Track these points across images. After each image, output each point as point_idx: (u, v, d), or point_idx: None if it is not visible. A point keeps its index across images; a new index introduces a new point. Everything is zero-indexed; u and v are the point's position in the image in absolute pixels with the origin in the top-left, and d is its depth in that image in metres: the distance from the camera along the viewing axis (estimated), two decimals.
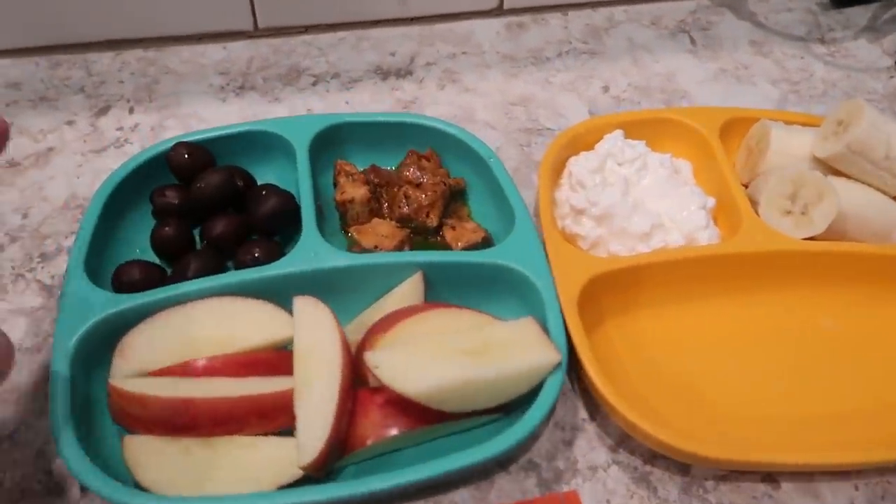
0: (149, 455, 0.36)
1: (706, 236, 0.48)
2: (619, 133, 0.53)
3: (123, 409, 0.37)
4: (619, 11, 0.73)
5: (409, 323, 0.40)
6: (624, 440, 0.42)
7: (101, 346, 0.40)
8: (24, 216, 0.52)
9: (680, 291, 0.47)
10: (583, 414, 0.43)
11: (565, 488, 0.40)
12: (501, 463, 0.41)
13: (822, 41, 0.71)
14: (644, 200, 0.50)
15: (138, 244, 0.48)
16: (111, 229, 0.47)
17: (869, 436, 0.42)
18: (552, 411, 0.42)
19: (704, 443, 0.39)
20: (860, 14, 0.75)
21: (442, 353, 0.38)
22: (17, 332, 0.45)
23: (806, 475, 0.41)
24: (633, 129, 0.54)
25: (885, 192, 0.50)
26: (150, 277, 0.44)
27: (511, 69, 0.66)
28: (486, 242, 0.48)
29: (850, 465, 0.40)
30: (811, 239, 0.48)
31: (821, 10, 0.75)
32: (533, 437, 0.42)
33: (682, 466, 0.41)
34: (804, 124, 0.54)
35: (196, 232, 0.48)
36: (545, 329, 0.41)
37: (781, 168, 0.49)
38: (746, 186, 0.53)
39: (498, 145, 0.59)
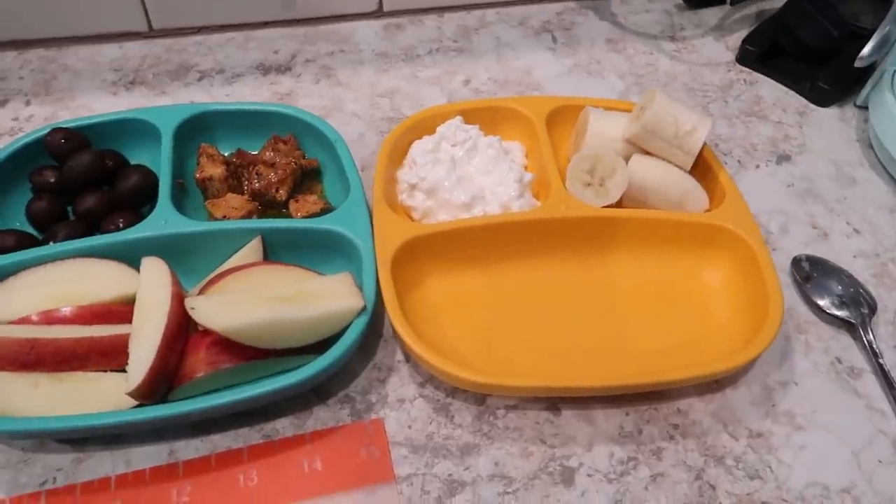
0: (0, 387, 0.42)
1: (518, 205, 0.55)
2: (457, 119, 0.60)
3: None
4: (491, 13, 0.80)
5: (237, 276, 0.47)
6: (430, 378, 0.49)
7: None
8: None
9: (493, 253, 0.54)
10: (399, 357, 0.50)
11: (373, 417, 0.47)
12: (320, 396, 0.48)
13: (673, 39, 0.79)
14: (472, 177, 0.57)
15: (18, 220, 0.54)
16: None
17: (641, 369, 0.49)
18: (365, 352, 0.49)
19: (492, 374, 0.46)
20: (712, 14, 0.82)
21: (255, 299, 0.44)
22: None
23: (584, 402, 0.48)
24: (472, 115, 0.61)
25: (680, 167, 0.57)
26: (23, 244, 0.50)
27: (383, 65, 0.73)
28: (325, 213, 0.54)
29: (614, 388, 0.47)
30: (614, 207, 0.55)
31: (677, 11, 0.83)
32: (349, 374, 0.49)
33: (479, 398, 0.48)
34: (625, 112, 0.61)
35: (71, 209, 0.54)
36: (360, 284, 0.47)
37: (587, 148, 0.57)
38: None
39: (360, 132, 0.66)
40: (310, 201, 0.55)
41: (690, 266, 0.55)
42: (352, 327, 0.45)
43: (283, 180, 0.55)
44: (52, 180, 0.54)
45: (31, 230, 0.53)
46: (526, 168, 0.60)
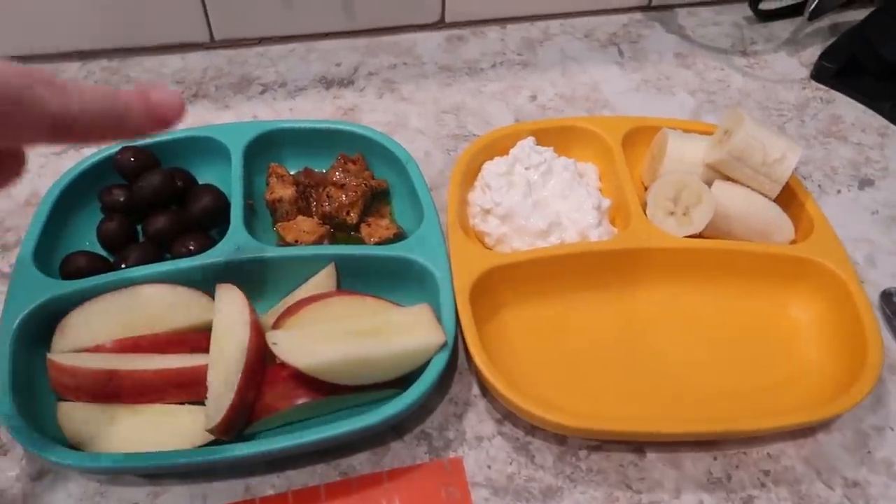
0: (78, 418, 0.42)
1: (597, 234, 0.53)
2: (530, 140, 0.58)
3: (58, 380, 0.42)
4: (555, 25, 0.78)
5: (315, 307, 0.46)
6: (509, 415, 0.47)
7: (43, 326, 0.45)
8: None
9: (572, 283, 0.52)
10: (476, 391, 0.49)
11: (452, 455, 0.45)
12: (397, 432, 0.46)
13: (744, 53, 0.76)
14: (547, 201, 0.55)
15: (88, 238, 0.53)
16: (62, 225, 0.52)
17: (730, 411, 0.47)
18: (442, 386, 0.47)
19: (576, 416, 0.44)
20: (784, 28, 0.80)
21: (335, 332, 0.43)
22: None
23: (670, 446, 0.46)
24: (546, 136, 0.59)
25: (765, 195, 0.55)
26: (94, 266, 0.49)
27: (446, 79, 0.71)
28: (398, 238, 0.53)
29: (703, 434, 0.45)
30: (696, 237, 0.53)
31: (746, 24, 0.80)
32: (426, 409, 0.47)
33: (560, 438, 0.46)
34: (704, 133, 0.59)
35: (140, 228, 0.54)
36: (438, 315, 0.46)
37: (676, 173, 0.55)
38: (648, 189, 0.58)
39: (427, 150, 0.64)
40: (382, 226, 0.53)
41: (778, 301, 0.53)
42: (433, 364, 0.44)
43: (353, 203, 0.54)
44: (122, 199, 0.53)
45: (99, 249, 0.52)
46: (600, 191, 0.58)
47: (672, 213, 0.53)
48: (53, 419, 0.43)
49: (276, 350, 0.41)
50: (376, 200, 0.57)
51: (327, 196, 0.54)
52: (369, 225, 0.53)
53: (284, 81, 0.70)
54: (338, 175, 0.55)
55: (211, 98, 0.68)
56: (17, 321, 0.44)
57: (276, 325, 0.46)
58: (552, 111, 0.69)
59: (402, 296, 0.49)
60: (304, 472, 0.44)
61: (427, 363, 0.44)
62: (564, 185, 0.56)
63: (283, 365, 0.44)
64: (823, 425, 0.48)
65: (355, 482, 0.44)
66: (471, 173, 0.58)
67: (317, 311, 0.46)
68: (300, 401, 0.43)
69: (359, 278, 0.50)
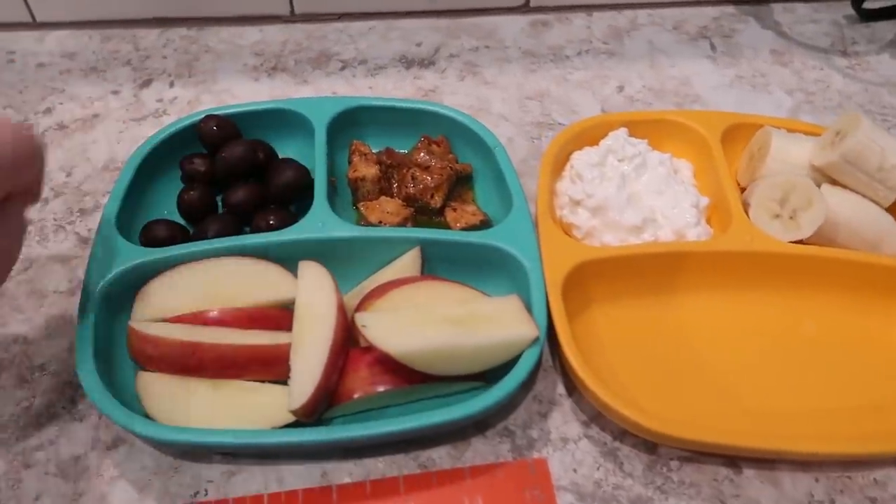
0: (157, 390, 0.41)
1: (695, 233, 0.50)
2: (623, 131, 0.56)
3: (139, 349, 0.41)
4: (643, 14, 0.75)
5: (402, 291, 0.44)
6: (596, 417, 0.45)
7: (125, 292, 0.44)
8: (68, 174, 0.57)
9: (666, 284, 0.49)
10: (561, 390, 0.46)
11: (536, 455, 0.43)
12: (479, 427, 0.44)
13: (845, 53, 0.72)
14: (640, 196, 0.53)
15: (166, 207, 0.52)
16: (143, 191, 0.51)
17: (833, 431, 0.44)
18: (527, 382, 0.45)
19: (670, 423, 0.41)
20: (888, 29, 0.75)
21: (427, 319, 0.41)
22: (54, 276, 0.50)
23: (768, 463, 0.43)
24: (638, 128, 0.57)
25: (877, 203, 0.51)
26: (174, 235, 0.48)
27: (531, 65, 0.69)
28: (484, 225, 0.51)
29: (806, 454, 0.42)
30: (799, 243, 0.50)
31: (847, 23, 0.76)
32: (509, 405, 0.45)
33: (650, 446, 0.44)
34: (808, 134, 0.56)
35: (219, 199, 0.52)
36: (528, 307, 0.44)
37: (778, 174, 0.51)
38: (745, 190, 0.54)
39: (509, 136, 0.62)
40: (468, 212, 0.51)
41: (887, 317, 0.49)
42: (524, 359, 0.42)
43: (438, 186, 0.52)
44: (203, 169, 0.52)
45: (178, 218, 0.51)
46: (697, 190, 0.55)
47: (777, 216, 0.50)
48: (131, 388, 0.42)
49: (365, 333, 0.39)
50: (459, 186, 0.55)
51: (412, 177, 0.52)
52: (455, 210, 0.51)
53: (364, 59, 0.68)
54: (422, 156, 0.53)
55: (290, 72, 0.67)
56: (101, 287, 0.43)
57: (360, 308, 0.44)
58: (640, 104, 0.66)
59: (489, 286, 0.47)
60: (381, 461, 0.43)
61: (515, 357, 0.42)
62: (660, 181, 0.53)
63: (366, 349, 0.42)
64: None
65: (436, 476, 0.42)
66: (559, 162, 0.55)
67: (404, 296, 0.44)
68: (382, 388, 0.41)
69: (443, 264, 0.48)
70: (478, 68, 0.68)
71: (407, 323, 0.41)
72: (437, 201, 0.52)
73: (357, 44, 0.70)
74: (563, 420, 0.45)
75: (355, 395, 0.41)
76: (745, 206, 0.52)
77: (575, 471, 0.43)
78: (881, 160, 0.49)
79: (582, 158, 0.54)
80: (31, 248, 0.52)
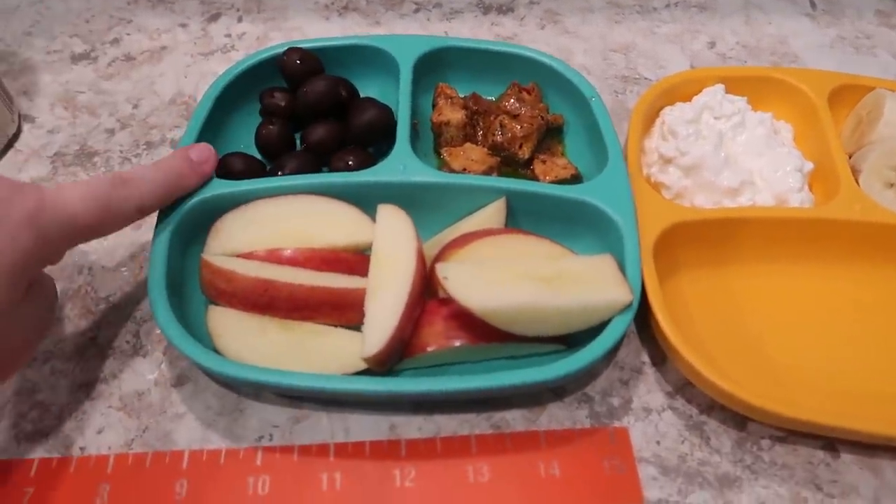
0: (228, 326, 0.39)
1: (798, 199, 0.46)
2: (719, 87, 0.52)
3: (212, 283, 0.40)
4: None
5: (486, 243, 0.41)
6: (682, 388, 0.42)
7: (198, 225, 0.42)
8: (135, 106, 0.55)
9: (763, 252, 0.46)
10: (644, 358, 0.44)
11: (616, 424, 0.41)
12: (556, 391, 0.42)
13: None
14: (737, 157, 0.49)
15: (242, 141, 0.50)
16: (218, 125, 0.48)
17: None
18: (614, 350, 0.42)
19: (765, 397, 0.38)
20: None
21: (512, 274, 0.38)
22: None
23: (868, 449, 0.40)
24: (735, 85, 0.52)
25: None
26: (251, 170, 0.46)
27: (615, 15, 0.65)
28: (576, 180, 0.48)
29: None
30: None
31: None
32: (590, 373, 0.42)
33: (739, 421, 0.41)
34: None
35: (298, 137, 0.50)
36: (622, 270, 0.41)
37: (891, 140, 0.47)
38: (850, 157, 0.50)
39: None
40: (559, 165, 0.48)
41: None
42: (613, 325, 0.39)
43: (527, 136, 0.49)
44: (283, 104, 0.49)
45: (255, 153, 0.49)
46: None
47: (892, 186, 0.46)
48: (201, 325, 0.40)
49: (446, 284, 0.37)
50: (548, 138, 0.51)
51: (500, 125, 0.49)
52: (544, 162, 0.48)
53: (439, 2, 0.65)
54: (511, 103, 0.50)
55: (361, 12, 0.64)
56: (176, 218, 0.41)
57: (440, 258, 0.41)
58: (734, 61, 0.61)
59: (578, 245, 0.44)
60: (452, 418, 0.41)
61: (604, 322, 0.39)
62: (759, 142, 0.49)
63: (443, 301, 0.40)
64: None
65: (509, 438, 0.40)
66: (649, 118, 0.52)
67: (488, 248, 0.41)
68: (458, 342, 0.39)
69: (529, 219, 0.45)
70: (559, 17, 0.64)
71: (490, 277, 0.38)
72: (525, 152, 0.49)
73: None
74: (647, 390, 0.42)
75: (429, 349, 0.39)
76: (855, 173, 0.48)
77: (658, 443, 0.40)
78: None
79: (675, 114, 0.51)
80: None
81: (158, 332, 0.43)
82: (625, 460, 0.39)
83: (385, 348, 0.37)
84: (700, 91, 0.52)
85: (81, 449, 0.39)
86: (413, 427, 0.40)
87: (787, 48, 0.63)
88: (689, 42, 0.63)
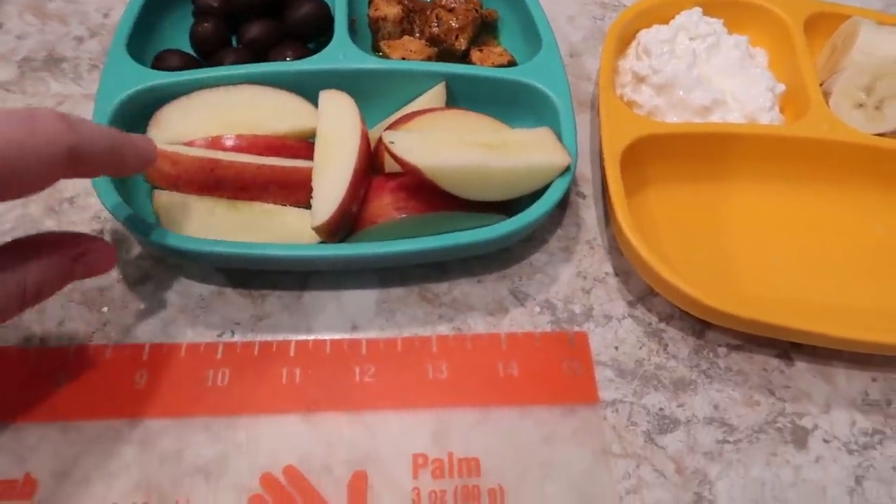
0: (176, 208, 0.39)
1: (768, 118, 0.46)
2: (697, 10, 0.51)
3: (156, 168, 0.39)
4: None
5: (430, 117, 0.42)
6: (643, 298, 0.43)
7: (136, 116, 0.42)
8: (105, 15, 0.54)
9: (730, 169, 0.46)
10: (608, 269, 0.44)
11: (577, 329, 0.41)
12: (518, 297, 0.42)
13: None
14: (711, 77, 0.49)
15: (178, 43, 0.49)
16: (153, 23, 0.48)
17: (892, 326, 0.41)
18: (563, 249, 0.43)
19: (725, 300, 0.39)
20: None
21: (457, 140, 0.39)
22: (88, 114, 0.48)
23: (823, 358, 0.41)
24: (713, 9, 0.52)
25: None
26: (189, 66, 0.45)
27: None
28: (512, 66, 0.48)
29: (867, 343, 0.39)
30: (884, 136, 0.46)
31: None
32: (549, 277, 0.43)
33: (698, 330, 0.41)
34: None
35: (234, 39, 0.50)
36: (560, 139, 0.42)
37: (874, 59, 0.47)
38: (822, 84, 0.50)
39: (570, 15, 0.58)
40: (496, 52, 0.49)
41: None
42: (553, 187, 0.40)
43: (463, 27, 0.49)
44: (216, 4, 0.49)
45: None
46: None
47: (861, 106, 0.46)
48: (150, 214, 0.40)
49: (393, 149, 0.37)
50: (484, 33, 0.52)
51: (436, 17, 0.49)
52: (481, 51, 0.49)
53: None
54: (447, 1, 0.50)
55: None
56: (112, 108, 0.41)
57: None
58: None
59: (517, 125, 0.44)
60: (415, 320, 0.41)
61: (547, 188, 0.40)
62: (733, 63, 0.49)
63: (390, 176, 0.40)
64: None
65: (470, 339, 0.40)
66: (624, 39, 0.51)
67: (432, 122, 0.42)
68: (406, 213, 0.39)
69: (469, 103, 0.45)
70: None
71: (436, 141, 0.39)
72: (461, 43, 0.49)
73: None
74: (608, 298, 0.43)
75: (379, 220, 0.39)
76: (826, 97, 0.48)
77: (616, 348, 0.41)
78: None
79: (651, 34, 0.50)
80: (66, 85, 0.50)
81: (122, 230, 0.42)
82: (583, 362, 0.40)
83: (333, 217, 0.37)
84: (676, 15, 0.51)
85: (42, 340, 0.39)
86: (374, 327, 0.40)
87: None
88: None
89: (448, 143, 0.39)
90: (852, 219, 0.46)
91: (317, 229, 0.38)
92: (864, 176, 0.46)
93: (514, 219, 0.39)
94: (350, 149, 0.39)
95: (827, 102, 0.47)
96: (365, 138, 0.40)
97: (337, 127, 0.41)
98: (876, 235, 0.46)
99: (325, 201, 0.38)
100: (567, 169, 0.41)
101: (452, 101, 0.46)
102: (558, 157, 0.40)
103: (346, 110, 0.41)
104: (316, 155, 0.40)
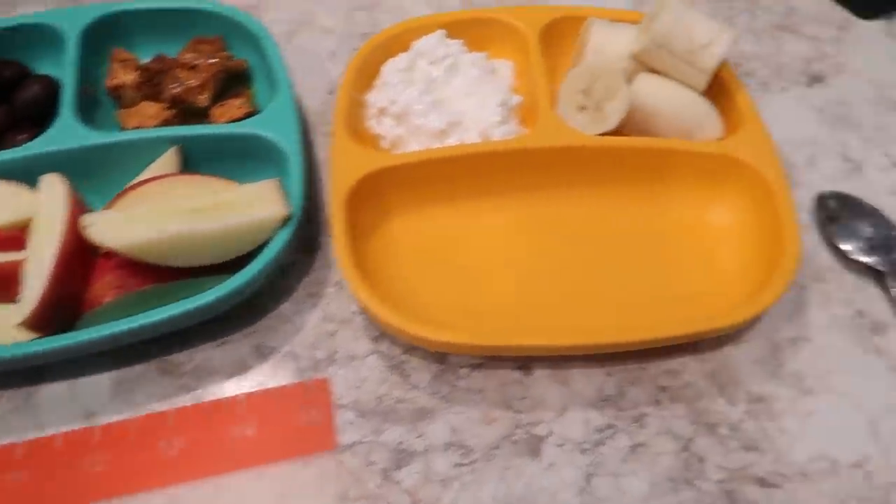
0: None
1: (501, 133, 0.48)
2: (439, 33, 0.52)
3: None
4: None
5: (147, 189, 0.42)
6: (387, 333, 0.43)
7: None
8: None
9: (471, 188, 0.47)
10: (354, 307, 0.44)
11: (319, 376, 0.42)
12: (260, 352, 0.42)
13: None
14: (451, 100, 0.50)
15: None
16: None
17: (629, 322, 0.42)
18: (276, 263, 0.42)
19: (455, 330, 0.40)
20: None
21: (163, 212, 0.39)
22: None
23: (561, 364, 0.42)
24: (456, 29, 0.53)
25: (693, 88, 0.49)
26: None
27: None
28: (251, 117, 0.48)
29: (589, 346, 0.40)
30: (611, 135, 0.47)
31: None
32: (293, 326, 0.43)
33: (439, 355, 0.42)
34: (634, 23, 0.52)
35: None
36: (287, 190, 0.42)
37: (590, 63, 0.49)
38: None
39: (332, 50, 0.58)
40: (234, 105, 0.49)
41: (698, 205, 0.47)
42: (273, 241, 0.41)
43: (205, 84, 0.49)
44: None
45: None
46: (514, 89, 0.52)
47: (584, 108, 0.48)
48: None
49: (89, 232, 0.38)
50: (236, 83, 0.52)
51: (174, 78, 0.49)
52: (222, 105, 0.49)
53: None
54: (188, 56, 0.50)
55: None
56: None
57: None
58: (479, 5, 0.62)
59: (255, 177, 0.44)
60: (153, 396, 0.41)
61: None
62: (470, 83, 0.50)
63: (110, 253, 0.40)
64: (733, 338, 0.43)
65: (207, 407, 0.40)
66: (371, 73, 0.52)
67: (148, 194, 0.42)
68: (124, 291, 0.39)
69: (208, 163, 0.46)
70: None
71: (137, 217, 0.39)
72: (204, 100, 0.49)
73: None
74: (354, 337, 0.43)
75: (104, 300, 0.39)
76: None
77: (358, 388, 0.41)
78: (689, 41, 0.47)
79: (391, 65, 0.51)
80: None
81: None
82: (321, 409, 0.40)
83: (38, 309, 0.37)
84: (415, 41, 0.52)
85: None
86: (110, 411, 0.40)
87: None
88: None
89: (150, 216, 0.39)
90: (591, 219, 0.47)
91: (23, 324, 0.37)
92: (597, 174, 0.47)
93: (224, 283, 0.39)
94: (53, 236, 0.39)
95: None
96: (73, 218, 0.40)
97: (46, 213, 0.40)
98: (618, 231, 0.47)
99: (28, 295, 0.38)
100: (289, 219, 0.41)
101: (194, 164, 0.46)
102: (274, 210, 0.41)
103: (55, 194, 0.41)
104: (28, 246, 0.40)
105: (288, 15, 0.61)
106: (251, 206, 0.41)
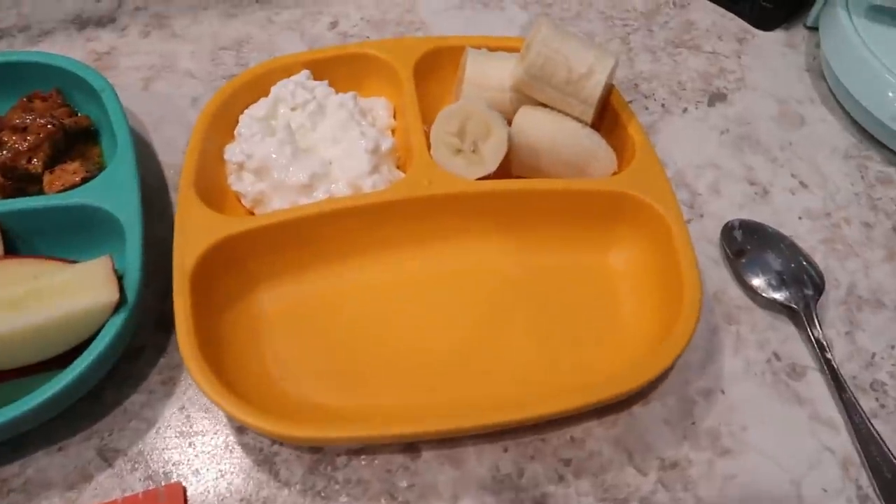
0: None
1: (371, 183, 0.43)
2: (303, 74, 0.48)
3: None
4: None
5: None
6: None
7: None
8: None
9: (342, 248, 0.42)
10: None
11: (174, 480, 0.36)
12: (105, 457, 0.36)
13: None
14: (317, 148, 0.45)
15: None
16: None
17: (523, 391, 0.38)
18: (107, 357, 0.36)
19: (323, 425, 0.35)
20: None
21: None
22: None
23: (451, 443, 0.38)
24: (325, 67, 0.49)
25: (580, 120, 0.45)
26: None
27: (230, 9, 0.59)
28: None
29: (485, 426, 0.36)
30: (491, 178, 0.43)
31: None
32: (146, 422, 0.38)
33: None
34: (514, 50, 0.49)
35: None
36: (120, 270, 0.37)
37: (461, 102, 0.44)
38: None
39: (195, 96, 0.53)
40: (69, 170, 0.43)
41: (595, 249, 0.44)
42: (104, 331, 0.35)
43: (36, 147, 0.43)
44: None
45: None
46: (393, 132, 0.48)
47: (460, 151, 0.43)
48: None
49: None
50: (81, 142, 0.46)
51: (1, 142, 0.43)
52: (52, 172, 0.43)
53: (28, 24, 0.57)
54: (16, 116, 0.44)
55: None
56: None
57: None
58: (354, 39, 0.58)
59: (93, 254, 0.39)
60: None
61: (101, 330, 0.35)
62: (338, 127, 0.45)
63: None
64: (639, 395, 0.39)
65: None
66: (231, 119, 0.47)
67: None
68: None
69: (39, 238, 0.40)
70: (167, 20, 0.58)
71: None
72: (37, 166, 0.43)
73: (20, 8, 0.59)
74: (214, 430, 0.38)
75: None
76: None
77: (219, 490, 0.36)
78: (567, 71, 0.43)
79: (248, 114, 0.46)
80: None
81: None
82: None
83: None
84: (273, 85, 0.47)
85: None
86: None
87: (414, 16, 0.60)
88: (309, 26, 0.59)
89: None
90: (479, 273, 0.43)
91: None
92: (479, 222, 0.43)
93: (48, 385, 0.33)
94: None
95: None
96: None
97: None
98: (505, 283, 0.43)
99: None
100: (122, 304, 0.36)
101: (22, 243, 0.40)
102: (104, 295, 0.35)
103: None
104: None
105: (146, 59, 0.55)
106: (76, 293, 0.35)
